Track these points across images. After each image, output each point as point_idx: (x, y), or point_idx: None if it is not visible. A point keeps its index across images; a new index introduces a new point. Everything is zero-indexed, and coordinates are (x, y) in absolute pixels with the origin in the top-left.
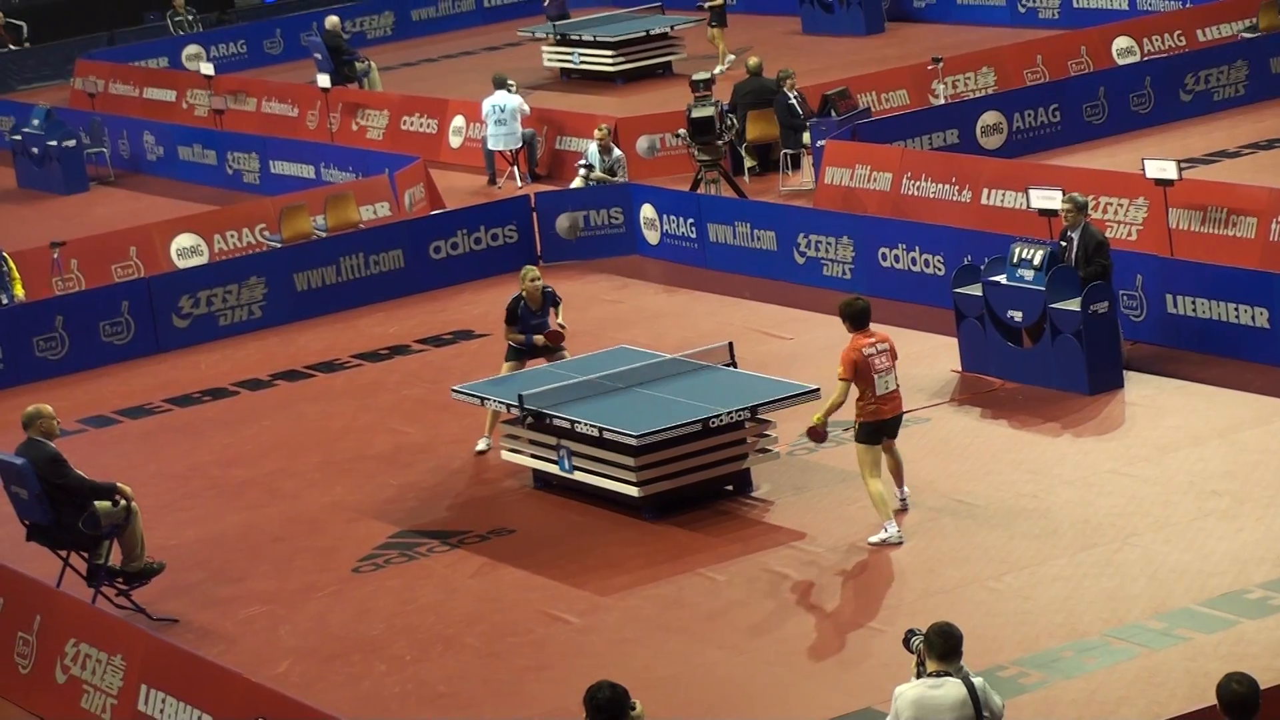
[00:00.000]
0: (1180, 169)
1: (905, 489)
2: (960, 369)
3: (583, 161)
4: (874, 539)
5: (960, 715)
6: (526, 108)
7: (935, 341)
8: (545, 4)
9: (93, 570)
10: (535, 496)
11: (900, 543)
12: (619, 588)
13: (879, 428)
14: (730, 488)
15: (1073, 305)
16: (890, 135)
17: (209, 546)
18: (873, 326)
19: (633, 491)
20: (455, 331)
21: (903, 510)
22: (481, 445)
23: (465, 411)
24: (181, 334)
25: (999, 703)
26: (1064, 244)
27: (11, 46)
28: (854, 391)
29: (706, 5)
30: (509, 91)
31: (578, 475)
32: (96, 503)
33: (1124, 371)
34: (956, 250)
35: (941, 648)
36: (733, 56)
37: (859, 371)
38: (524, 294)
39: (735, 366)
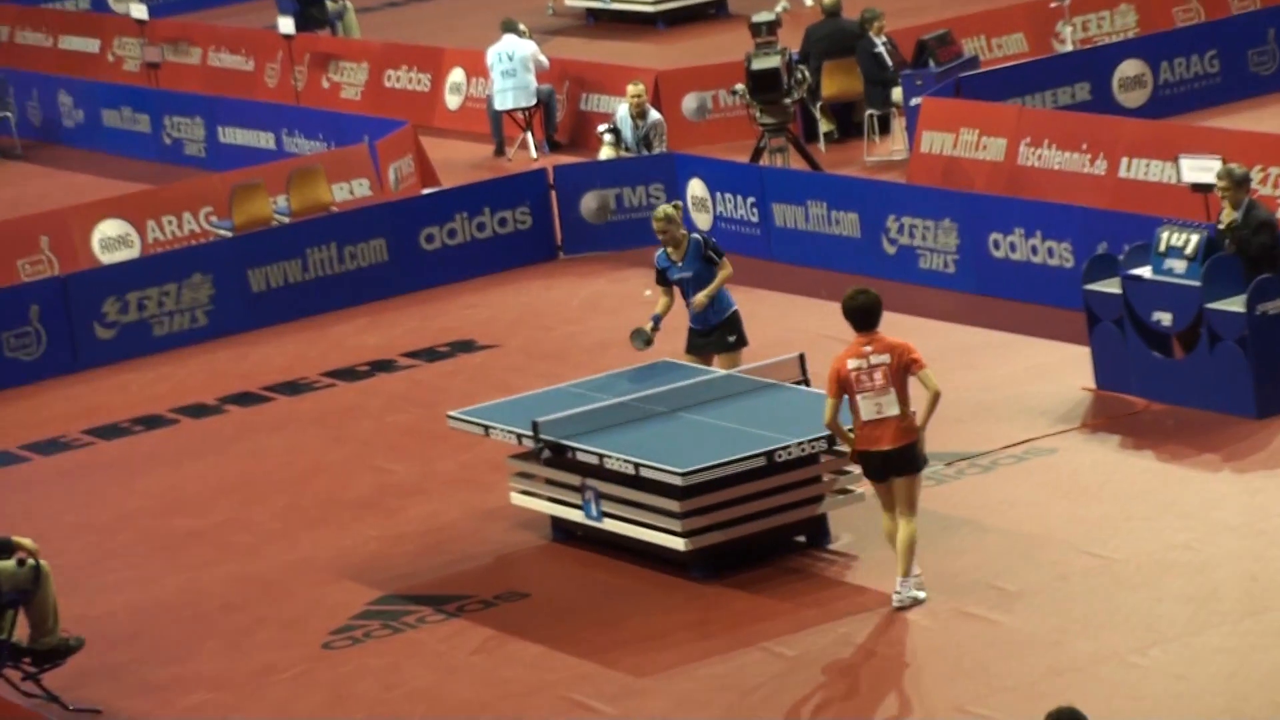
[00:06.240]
0: None
1: (909, 580)
2: (1094, 386)
3: (607, 126)
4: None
5: None
6: (543, 58)
7: (1062, 352)
8: None
9: None
10: (554, 551)
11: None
12: (662, 667)
13: (866, 460)
14: (802, 538)
15: (1236, 305)
16: (1004, 91)
17: (142, 617)
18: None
19: (678, 544)
20: (453, 342)
21: (903, 607)
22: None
23: (465, 442)
24: (106, 347)
25: None
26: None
27: None
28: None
29: None
30: (519, 37)
31: (608, 524)
32: None
33: None
34: (1088, 236)
35: None
36: None
37: (842, 387)
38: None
39: (808, 385)
